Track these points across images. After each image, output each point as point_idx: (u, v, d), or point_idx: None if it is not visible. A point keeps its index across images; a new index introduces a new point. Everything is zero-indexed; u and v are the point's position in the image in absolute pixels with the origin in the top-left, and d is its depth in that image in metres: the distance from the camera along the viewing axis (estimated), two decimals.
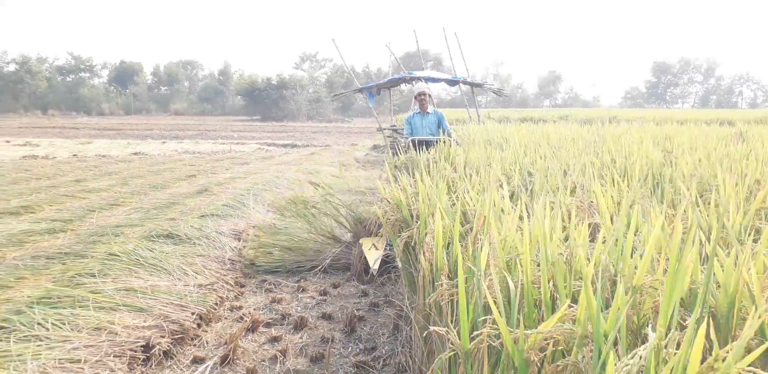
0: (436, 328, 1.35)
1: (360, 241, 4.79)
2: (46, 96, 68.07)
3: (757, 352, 0.90)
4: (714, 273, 1.19)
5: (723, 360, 0.88)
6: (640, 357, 0.92)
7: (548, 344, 1.11)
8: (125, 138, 25.20)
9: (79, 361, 2.68)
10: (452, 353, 1.24)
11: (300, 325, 3.60)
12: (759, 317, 0.91)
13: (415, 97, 7.31)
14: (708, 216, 1.87)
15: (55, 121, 46.58)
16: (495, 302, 1.22)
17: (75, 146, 19.85)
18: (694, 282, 1.22)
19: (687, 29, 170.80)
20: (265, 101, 56.35)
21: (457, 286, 1.42)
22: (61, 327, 2.95)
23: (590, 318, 1.07)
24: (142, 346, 2.90)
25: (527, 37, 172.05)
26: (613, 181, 2.49)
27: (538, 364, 1.09)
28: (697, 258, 1.26)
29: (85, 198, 8.80)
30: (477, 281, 1.36)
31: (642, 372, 0.92)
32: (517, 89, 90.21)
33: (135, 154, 17.29)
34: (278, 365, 3.05)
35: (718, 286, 1.18)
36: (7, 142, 21.33)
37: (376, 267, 4.38)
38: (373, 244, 4.67)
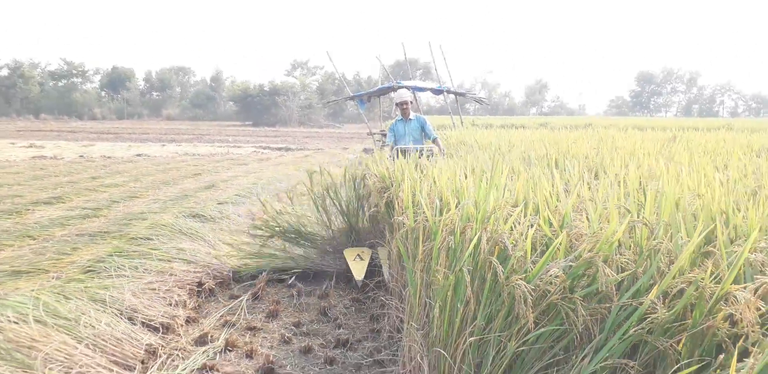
0: (398, 217, 2.45)
1: (344, 252, 4.88)
2: (39, 100, 68.63)
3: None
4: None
5: None
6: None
7: (448, 223, 2.14)
8: (124, 141, 26.13)
9: (155, 290, 3.77)
10: (404, 229, 2.34)
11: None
12: None
13: (397, 105, 7.20)
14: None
15: (50, 124, 47.31)
16: (427, 207, 2.29)
17: (79, 148, 20.79)
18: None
19: (670, 39, 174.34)
20: (257, 107, 57.44)
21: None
22: (136, 269, 4.03)
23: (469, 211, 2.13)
24: (196, 283, 3.99)
25: (516, 46, 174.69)
26: (525, 160, 3.61)
27: (448, 234, 2.14)
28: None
29: (106, 192, 9.84)
30: (419, 199, 2.42)
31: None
32: (504, 97, 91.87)
33: (138, 155, 18.27)
34: (294, 299, 4.16)
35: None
36: (12, 143, 22.22)
37: (361, 278, 4.55)
38: (358, 255, 4.77)
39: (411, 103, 7.17)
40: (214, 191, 9.65)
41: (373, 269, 4.74)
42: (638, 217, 1.60)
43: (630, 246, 1.59)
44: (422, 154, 4.79)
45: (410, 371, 2.06)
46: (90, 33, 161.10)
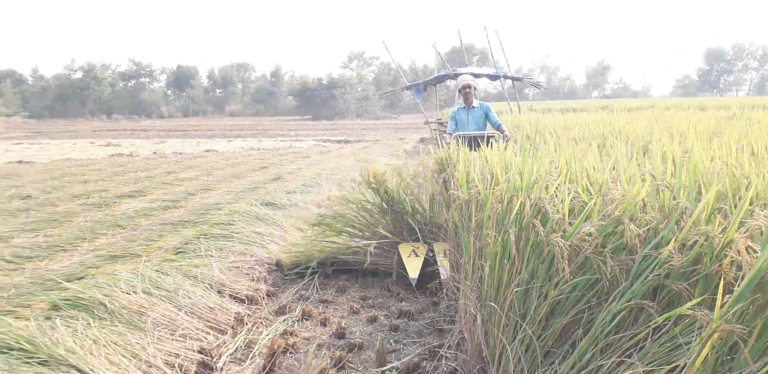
0: (453, 191, 2.75)
1: (399, 247, 4.71)
2: (111, 101, 72.28)
3: None
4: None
5: None
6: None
7: (497, 193, 2.40)
8: (192, 138, 27.38)
9: (238, 267, 4.22)
10: (459, 202, 2.63)
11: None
12: None
13: (459, 91, 6.80)
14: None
15: (122, 124, 49.90)
16: (479, 181, 2.56)
17: (152, 145, 22.00)
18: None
19: (740, 13, 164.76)
20: (316, 101, 58.58)
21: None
22: (221, 250, 4.49)
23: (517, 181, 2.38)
24: (274, 263, 4.41)
25: (575, 27, 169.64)
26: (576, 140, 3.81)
27: (497, 203, 2.40)
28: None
29: (182, 185, 10.54)
30: (473, 176, 2.69)
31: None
32: (564, 81, 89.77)
33: (207, 151, 19.18)
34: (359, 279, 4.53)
35: None
36: (91, 143, 23.74)
37: (416, 275, 4.37)
38: (413, 251, 4.59)
39: (475, 88, 6.76)
40: (281, 182, 10.18)
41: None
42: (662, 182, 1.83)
43: (655, 207, 1.82)
44: (488, 141, 4.49)
45: (465, 324, 2.36)
46: (155, 33, 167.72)
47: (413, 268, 4.40)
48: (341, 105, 57.69)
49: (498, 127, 6.33)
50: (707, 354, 1.29)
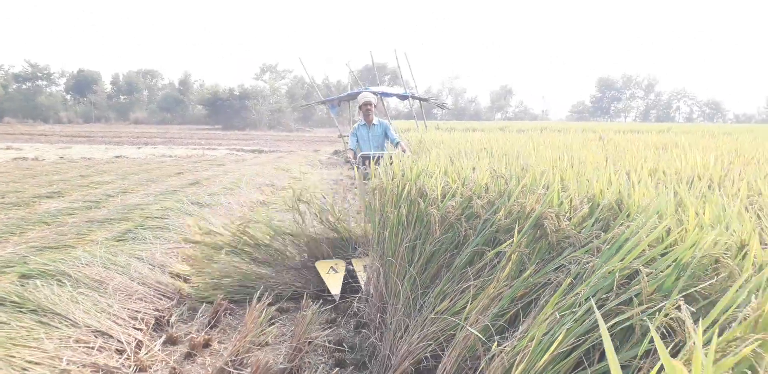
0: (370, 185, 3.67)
1: (316, 265, 4.55)
2: (2, 103, 67.85)
3: None
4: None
5: None
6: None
7: (396, 183, 3.32)
8: (99, 144, 26.73)
9: (175, 253, 4.87)
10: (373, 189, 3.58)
11: None
12: None
13: (360, 107, 6.93)
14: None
15: (18, 128, 47.14)
16: (383, 175, 3.50)
17: (57, 150, 21.43)
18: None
19: (629, 46, 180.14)
20: (227, 111, 58.12)
21: None
22: (158, 239, 5.13)
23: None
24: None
25: (481, 52, 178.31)
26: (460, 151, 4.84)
27: (394, 188, 3.31)
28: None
29: (98, 188, 10.76)
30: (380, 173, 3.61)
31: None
32: (471, 103, 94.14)
33: (117, 157, 19.05)
34: None
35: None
36: None
37: (338, 291, 4.19)
38: (332, 267, 4.44)
39: (375, 105, 6.99)
40: (199, 187, 10.66)
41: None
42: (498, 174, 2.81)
43: (494, 189, 2.77)
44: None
45: (372, 276, 3.23)
46: (55, 35, 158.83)
47: (334, 284, 4.25)
48: (254, 116, 57.59)
49: (397, 145, 6.51)
50: (509, 269, 2.22)
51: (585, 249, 1.98)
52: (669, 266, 1.65)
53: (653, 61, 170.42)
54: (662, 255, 1.76)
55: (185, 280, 4.53)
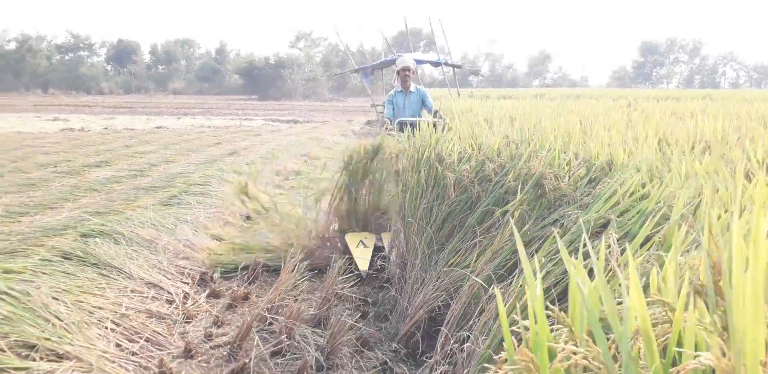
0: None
1: (345, 237, 4.43)
2: (47, 74, 69.70)
3: None
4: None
5: None
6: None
7: (418, 148, 3.56)
8: (141, 114, 27.53)
9: (217, 215, 5.24)
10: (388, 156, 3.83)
11: None
12: None
13: (398, 72, 6.83)
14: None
15: (62, 99, 48.66)
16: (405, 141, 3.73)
17: (101, 121, 22.23)
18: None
19: (674, 8, 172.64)
20: (263, 80, 58.55)
21: None
22: (201, 204, 5.51)
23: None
24: (245, 214, 5.47)
25: (519, 15, 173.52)
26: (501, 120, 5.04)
27: (414, 153, 3.54)
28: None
29: (142, 157, 11.29)
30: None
31: None
32: (508, 69, 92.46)
33: (158, 127, 19.67)
34: None
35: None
36: (38, 117, 23.66)
37: (366, 268, 4.00)
38: (361, 241, 4.26)
39: (414, 71, 6.87)
40: (237, 156, 11.09)
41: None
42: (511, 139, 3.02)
43: (505, 153, 2.99)
44: (435, 128, 4.27)
45: (394, 233, 3.52)
46: (95, 5, 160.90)
47: (363, 260, 4.04)
48: (289, 85, 57.90)
49: (435, 113, 6.35)
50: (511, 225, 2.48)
51: (577, 204, 2.22)
52: (635, 215, 1.89)
53: (699, 24, 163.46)
54: (634, 207, 1.99)
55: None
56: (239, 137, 16.02)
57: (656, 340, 0.89)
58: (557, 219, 2.24)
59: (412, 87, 6.69)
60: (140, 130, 18.65)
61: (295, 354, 2.82)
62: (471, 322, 2.20)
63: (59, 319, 2.74)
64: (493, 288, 1.99)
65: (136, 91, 70.96)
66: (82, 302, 2.98)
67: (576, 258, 1.10)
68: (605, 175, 2.33)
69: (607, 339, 0.92)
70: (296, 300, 3.39)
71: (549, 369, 0.95)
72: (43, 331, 2.61)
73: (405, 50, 18.65)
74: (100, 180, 8.62)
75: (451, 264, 2.71)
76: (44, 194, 7.54)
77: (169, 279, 3.77)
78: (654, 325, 0.92)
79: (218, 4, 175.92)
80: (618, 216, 1.91)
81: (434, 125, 4.55)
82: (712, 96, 19.93)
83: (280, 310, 3.26)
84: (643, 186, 2.06)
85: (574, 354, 0.91)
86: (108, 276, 3.43)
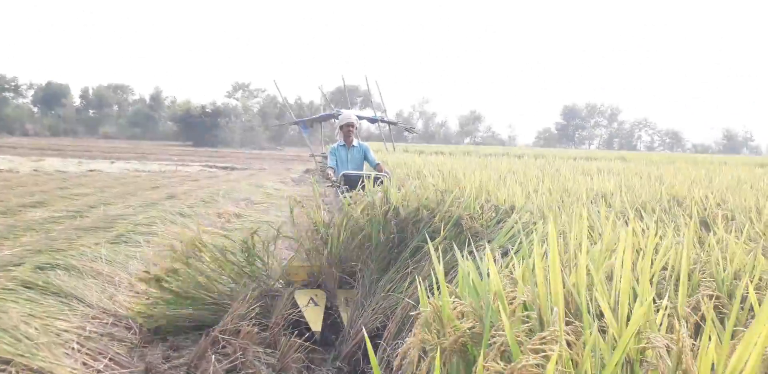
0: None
1: (294, 294, 3.97)
2: None
3: None
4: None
5: None
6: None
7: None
8: (72, 157, 26.93)
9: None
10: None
11: None
12: None
13: (341, 128, 6.83)
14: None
15: None
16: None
17: (30, 163, 21.67)
18: None
19: (593, 76, 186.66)
20: (198, 128, 58.40)
21: None
22: (149, 242, 5.79)
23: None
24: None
25: (451, 77, 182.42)
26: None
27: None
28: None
29: (79, 199, 11.26)
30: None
31: None
32: (440, 127, 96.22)
33: (91, 171, 19.42)
34: None
35: None
36: None
37: (319, 328, 3.73)
38: (311, 299, 3.94)
39: (357, 127, 7.00)
40: (176, 200, 11.23)
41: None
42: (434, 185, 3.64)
43: (433, 200, 3.60)
44: (374, 182, 4.41)
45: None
46: (24, 46, 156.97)
47: (314, 320, 3.77)
48: (226, 134, 58.03)
49: (376, 166, 6.49)
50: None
51: (486, 239, 2.81)
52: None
53: (616, 91, 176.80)
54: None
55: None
56: (176, 182, 16.12)
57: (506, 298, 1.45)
58: (471, 251, 2.81)
59: (355, 142, 6.84)
60: (73, 172, 18.38)
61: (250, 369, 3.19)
62: (404, 334, 2.69)
63: (29, 339, 3.02)
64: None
65: (64, 134, 68.92)
66: (48, 325, 3.26)
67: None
68: (508, 215, 2.95)
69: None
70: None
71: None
72: (16, 349, 2.89)
73: (343, 106, 19.53)
74: (38, 220, 8.60)
75: (388, 290, 3.22)
76: None
77: (127, 308, 4.06)
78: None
79: (154, 51, 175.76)
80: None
81: (379, 179, 4.77)
82: (625, 157, 21.77)
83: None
84: (534, 223, 2.68)
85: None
86: (69, 304, 3.70)
